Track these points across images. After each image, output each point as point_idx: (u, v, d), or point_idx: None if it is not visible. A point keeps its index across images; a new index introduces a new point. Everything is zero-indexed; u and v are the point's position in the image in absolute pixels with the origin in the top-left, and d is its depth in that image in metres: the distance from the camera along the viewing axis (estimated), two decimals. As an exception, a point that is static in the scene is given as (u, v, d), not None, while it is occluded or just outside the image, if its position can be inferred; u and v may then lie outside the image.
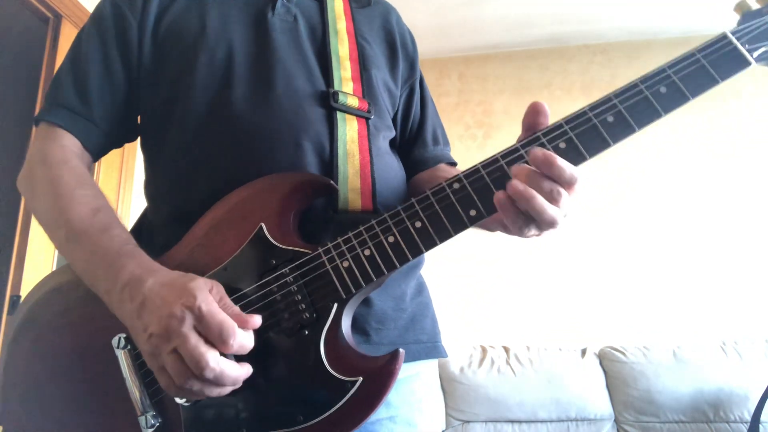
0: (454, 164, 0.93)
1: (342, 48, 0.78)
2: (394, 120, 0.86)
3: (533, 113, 0.58)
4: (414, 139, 0.90)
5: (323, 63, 0.76)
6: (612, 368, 2.49)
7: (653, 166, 2.92)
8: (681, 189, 2.89)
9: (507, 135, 3.14)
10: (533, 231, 0.57)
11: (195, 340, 0.50)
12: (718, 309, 2.71)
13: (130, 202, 2.35)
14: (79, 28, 2.10)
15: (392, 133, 0.83)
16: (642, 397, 2.37)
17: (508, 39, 3.17)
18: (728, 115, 2.92)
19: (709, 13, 2.86)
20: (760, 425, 2.09)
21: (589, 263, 2.87)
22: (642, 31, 3.08)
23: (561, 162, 0.54)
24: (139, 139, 0.81)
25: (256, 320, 0.55)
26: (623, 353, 2.50)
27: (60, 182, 0.67)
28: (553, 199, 0.54)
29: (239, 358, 0.54)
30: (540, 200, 0.53)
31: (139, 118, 0.80)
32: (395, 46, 0.88)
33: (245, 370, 0.54)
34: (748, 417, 2.25)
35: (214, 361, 0.50)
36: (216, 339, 0.51)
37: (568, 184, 0.54)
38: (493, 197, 0.56)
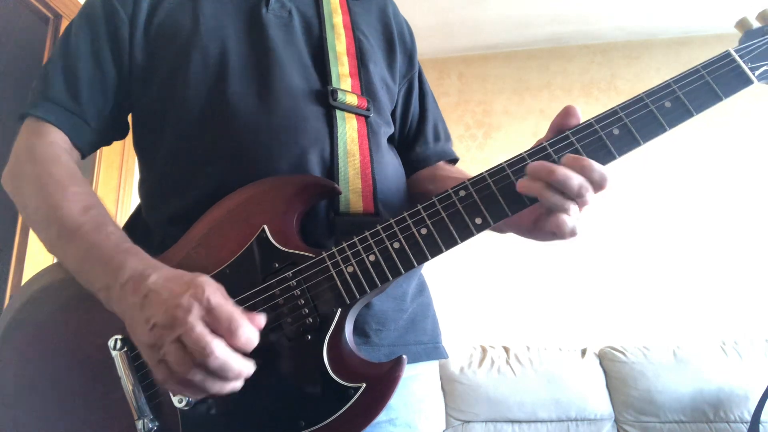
0: (455, 160, 0.91)
1: (339, 43, 0.76)
2: (392, 116, 0.84)
3: (563, 116, 0.59)
4: (414, 135, 0.88)
5: (320, 59, 0.74)
6: (612, 368, 2.49)
7: (653, 166, 2.92)
8: (681, 189, 2.89)
9: (507, 135, 3.14)
10: (559, 222, 0.57)
11: (201, 329, 0.49)
12: (718, 309, 2.71)
13: (130, 203, 2.35)
14: (79, 28, 2.11)
15: (391, 130, 0.82)
16: (642, 397, 2.37)
17: (508, 39, 3.16)
18: (728, 114, 2.91)
19: (708, 14, 2.86)
20: (760, 425, 2.09)
21: (590, 263, 2.87)
22: (642, 31, 3.07)
23: (591, 163, 0.55)
24: (132, 137, 0.79)
25: (261, 319, 0.53)
26: (623, 353, 2.50)
27: (50, 179, 0.65)
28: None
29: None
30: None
31: (130, 116, 0.78)
32: (393, 39, 0.85)
33: (249, 366, 0.51)
34: (748, 417, 2.24)
35: (220, 349, 0.48)
36: (225, 330, 0.49)
37: (598, 185, 0.55)
38: (517, 185, 0.57)
